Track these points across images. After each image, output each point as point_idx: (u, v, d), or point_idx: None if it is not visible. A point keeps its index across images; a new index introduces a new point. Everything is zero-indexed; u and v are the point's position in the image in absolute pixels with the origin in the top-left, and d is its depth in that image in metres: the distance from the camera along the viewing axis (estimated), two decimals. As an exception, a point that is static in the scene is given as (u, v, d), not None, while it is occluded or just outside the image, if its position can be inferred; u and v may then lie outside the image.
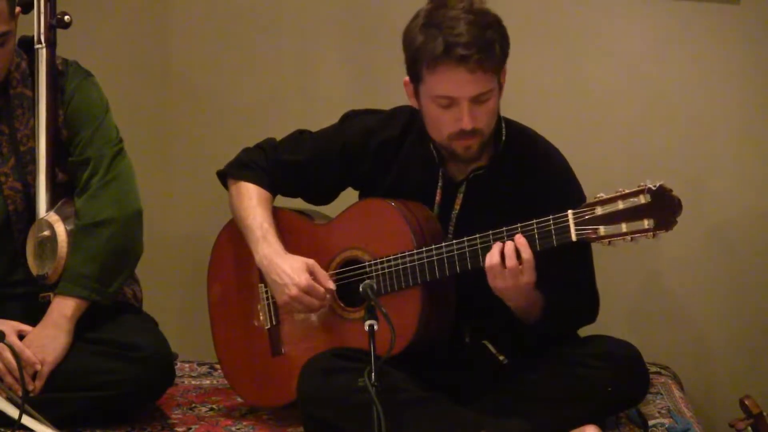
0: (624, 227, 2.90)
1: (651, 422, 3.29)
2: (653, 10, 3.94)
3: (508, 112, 3.28)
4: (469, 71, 3.04)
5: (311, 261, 3.26)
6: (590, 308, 3.26)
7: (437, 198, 3.27)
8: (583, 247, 3.12)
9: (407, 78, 3.17)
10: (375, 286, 2.94)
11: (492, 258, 3.02)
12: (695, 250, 4.00)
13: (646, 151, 3.98)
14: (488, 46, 3.05)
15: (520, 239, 3.00)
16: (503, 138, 3.23)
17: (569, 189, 3.19)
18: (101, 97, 3.48)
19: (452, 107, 3.09)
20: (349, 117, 3.41)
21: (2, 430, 3.12)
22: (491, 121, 3.15)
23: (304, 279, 3.23)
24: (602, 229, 2.93)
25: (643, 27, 3.98)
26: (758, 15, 3.88)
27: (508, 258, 3.00)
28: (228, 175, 3.46)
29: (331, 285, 3.25)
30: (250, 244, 3.33)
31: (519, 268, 3.00)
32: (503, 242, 3.02)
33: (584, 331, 3.32)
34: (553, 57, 4.02)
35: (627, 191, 2.90)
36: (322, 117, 3.51)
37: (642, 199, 2.88)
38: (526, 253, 3.00)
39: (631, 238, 2.91)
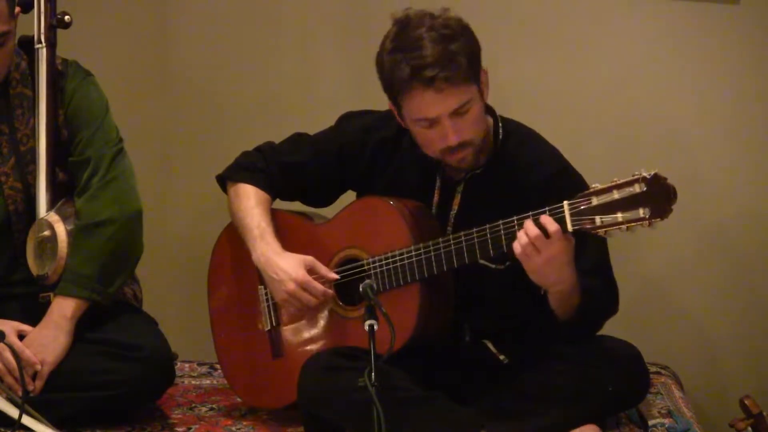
0: (620, 216, 2.90)
1: (651, 422, 3.29)
2: (652, 10, 3.94)
3: (507, 110, 3.28)
4: (437, 91, 3.04)
5: (309, 258, 3.26)
6: (615, 297, 3.25)
7: (435, 198, 3.27)
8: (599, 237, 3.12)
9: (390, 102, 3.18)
10: (375, 286, 2.94)
11: (520, 239, 2.98)
12: (694, 249, 4.00)
13: (644, 151, 3.98)
14: (453, 60, 3.03)
15: (545, 218, 2.97)
16: (500, 137, 3.23)
17: (569, 183, 3.14)
18: (101, 97, 3.48)
19: (435, 126, 3.09)
20: (346, 118, 3.42)
21: (2, 430, 3.12)
22: (479, 128, 3.14)
23: (301, 275, 3.23)
24: (598, 219, 2.92)
25: (642, 27, 3.98)
26: (758, 15, 3.88)
27: (528, 229, 2.97)
28: (227, 178, 3.46)
29: (334, 276, 3.25)
30: (248, 244, 3.33)
31: (546, 239, 2.95)
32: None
33: (584, 331, 3.33)
34: (552, 56, 4.02)
35: (622, 180, 2.90)
36: (322, 117, 3.51)
37: (637, 188, 2.88)
38: (552, 226, 2.95)
39: (627, 228, 2.91)
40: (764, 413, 3.13)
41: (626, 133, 4.00)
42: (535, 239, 2.96)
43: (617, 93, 4.00)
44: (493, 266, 3.17)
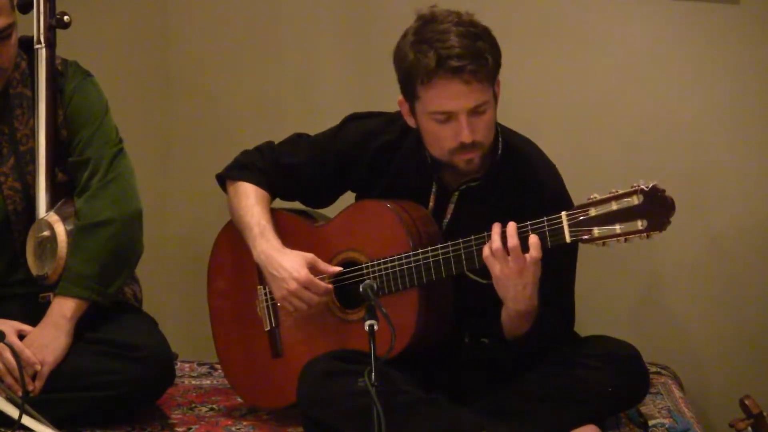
0: (618, 228, 2.89)
1: (651, 422, 3.29)
2: (652, 10, 3.94)
3: (508, 111, 3.28)
4: (464, 82, 3.03)
5: (310, 255, 3.26)
6: (568, 329, 3.26)
7: (430, 205, 3.26)
8: (566, 261, 3.12)
9: (401, 97, 3.16)
10: (375, 286, 2.93)
11: (493, 243, 3.00)
12: (695, 251, 4.00)
13: (644, 152, 3.98)
14: (480, 55, 3.04)
15: (533, 238, 2.98)
16: (499, 151, 3.22)
17: (561, 207, 3.07)
18: (101, 98, 3.48)
19: (450, 122, 3.08)
20: (348, 121, 3.40)
21: (2, 430, 3.12)
22: (490, 133, 3.14)
23: (303, 273, 3.23)
24: (596, 231, 2.92)
25: (642, 27, 3.98)
26: (758, 15, 3.88)
27: (510, 237, 2.98)
28: (226, 176, 3.46)
29: (337, 268, 3.24)
30: (248, 241, 3.33)
31: (522, 254, 2.97)
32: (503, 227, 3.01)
33: (584, 331, 3.32)
34: (552, 57, 4.02)
35: (620, 192, 2.90)
36: (322, 118, 3.51)
37: (635, 200, 2.87)
38: (536, 251, 2.97)
39: (625, 239, 2.90)
40: (764, 413, 3.13)
41: (626, 134, 4.00)
42: (511, 249, 2.96)
43: (617, 93, 4.00)
44: (485, 281, 3.15)
